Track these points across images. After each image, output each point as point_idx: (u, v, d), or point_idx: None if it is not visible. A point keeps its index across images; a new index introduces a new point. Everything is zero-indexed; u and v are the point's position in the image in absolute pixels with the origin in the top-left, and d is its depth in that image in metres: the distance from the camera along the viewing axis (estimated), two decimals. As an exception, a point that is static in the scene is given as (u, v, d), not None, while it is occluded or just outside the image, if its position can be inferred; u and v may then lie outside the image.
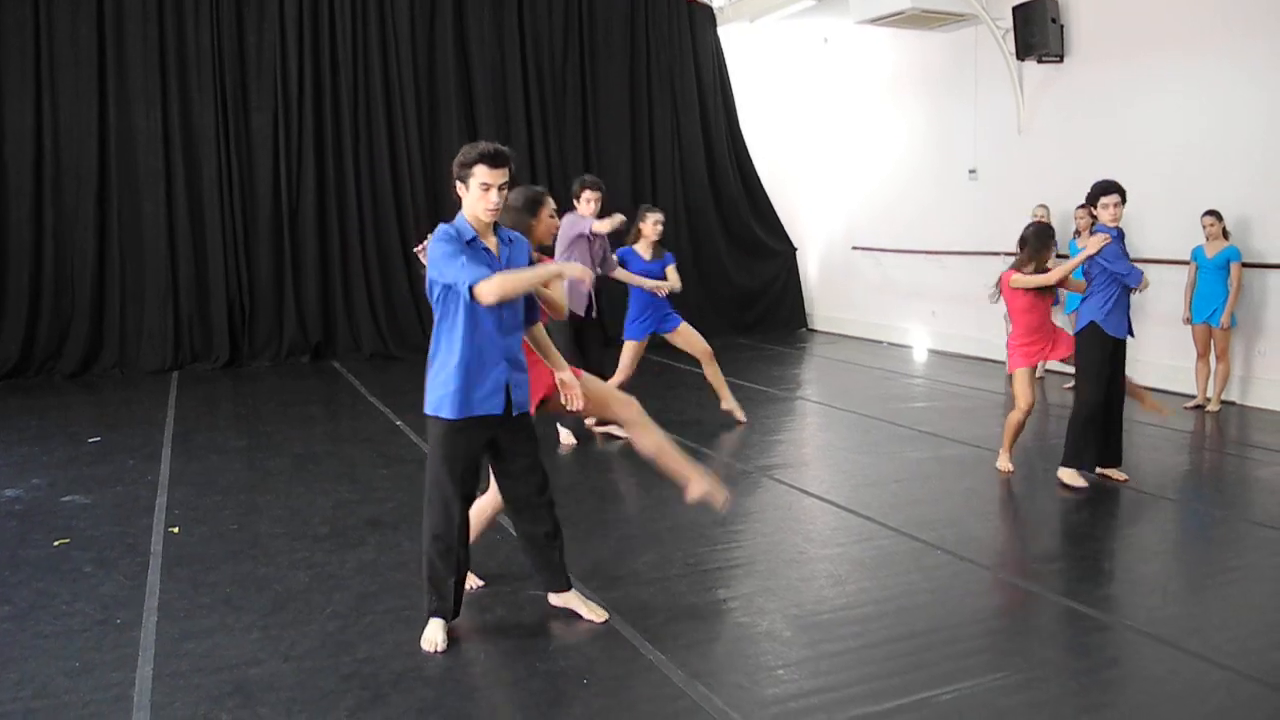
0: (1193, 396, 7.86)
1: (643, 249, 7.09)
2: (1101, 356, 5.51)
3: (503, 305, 3.46)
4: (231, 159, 10.63)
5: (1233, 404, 7.87)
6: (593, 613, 3.78)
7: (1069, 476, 5.62)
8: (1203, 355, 7.76)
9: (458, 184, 3.52)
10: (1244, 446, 6.59)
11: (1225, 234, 7.61)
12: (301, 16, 10.83)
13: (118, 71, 10.22)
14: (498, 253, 3.56)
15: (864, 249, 12.33)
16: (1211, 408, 7.66)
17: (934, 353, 10.96)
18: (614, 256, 6.93)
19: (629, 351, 7.10)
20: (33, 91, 9.90)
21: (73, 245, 10.10)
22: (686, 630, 3.71)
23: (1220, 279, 7.58)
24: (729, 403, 7.37)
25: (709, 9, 12.83)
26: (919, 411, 7.79)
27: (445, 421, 3.53)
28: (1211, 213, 7.61)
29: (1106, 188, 5.56)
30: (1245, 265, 7.54)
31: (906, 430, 7.07)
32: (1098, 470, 5.71)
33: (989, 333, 10.07)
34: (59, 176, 10.07)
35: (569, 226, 6.60)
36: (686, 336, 7.30)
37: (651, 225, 7.09)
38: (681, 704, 3.15)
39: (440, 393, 3.55)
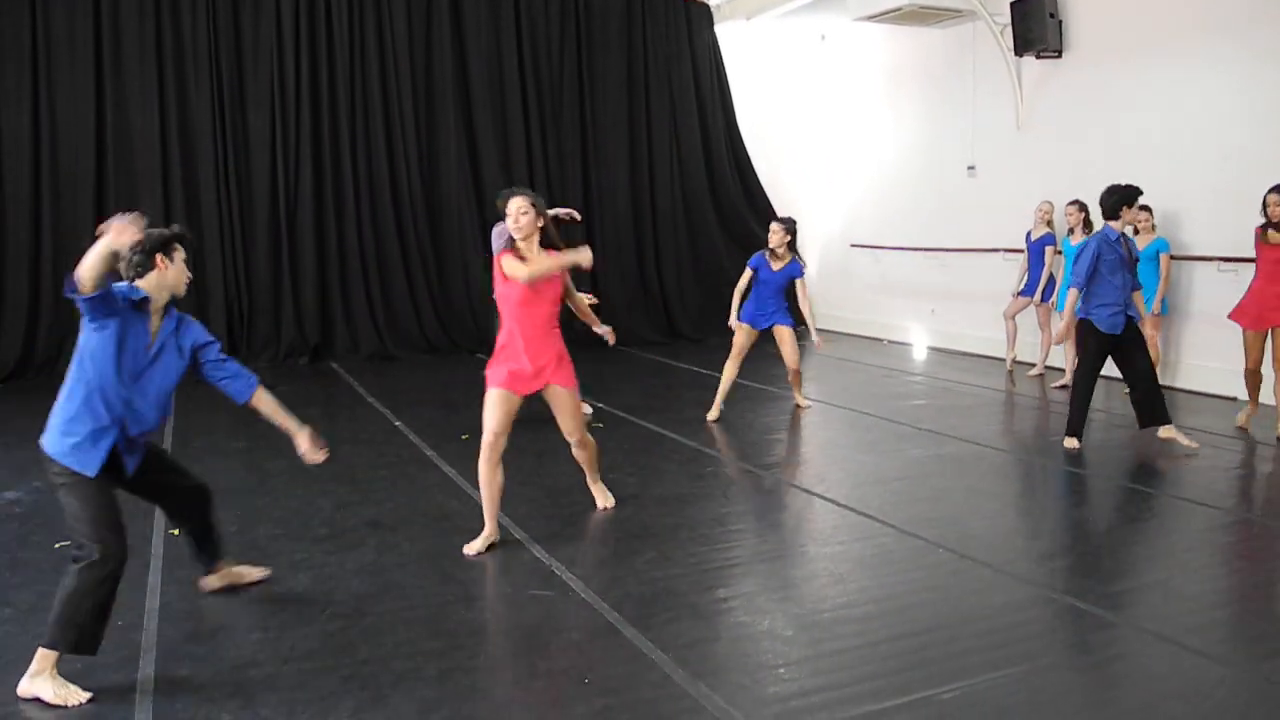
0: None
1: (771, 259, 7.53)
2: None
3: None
4: (229, 159, 10.63)
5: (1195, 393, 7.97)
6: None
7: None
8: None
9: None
10: (1236, 441, 6.58)
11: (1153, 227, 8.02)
12: (298, 14, 10.82)
13: (114, 71, 10.20)
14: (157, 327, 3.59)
15: (862, 246, 12.32)
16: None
17: (933, 350, 10.96)
18: None
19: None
20: (29, 91, 9.89)
21: (71, 247, 10.05)
22: (688, 629, 3.71)
23: (1151, 270, 7.88)
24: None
25: (706, 7, 12.82)
26: (919, 409, 7.79)
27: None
28: (1144, 207, 7.94)
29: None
30: (1251, 261, 7.55)
31: (906, 428, 7.07)
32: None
33: (988, 330, 10.07)
34: (56, 177, 10.06)
35: (497, 235, 6.82)
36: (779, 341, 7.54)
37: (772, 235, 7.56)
38: (683, 703, 3.15)
39: None
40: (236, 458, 6.45)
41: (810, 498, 5.46)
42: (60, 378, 3.63)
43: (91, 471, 3.37)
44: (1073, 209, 8.41)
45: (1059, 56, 9.32)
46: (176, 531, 4.91)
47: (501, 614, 3.85)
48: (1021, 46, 9.36)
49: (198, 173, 10.52)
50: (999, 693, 3.18)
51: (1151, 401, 6.12)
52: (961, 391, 8.53)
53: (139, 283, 3.51)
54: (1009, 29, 9.43)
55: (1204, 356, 8.08)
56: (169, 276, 3.56)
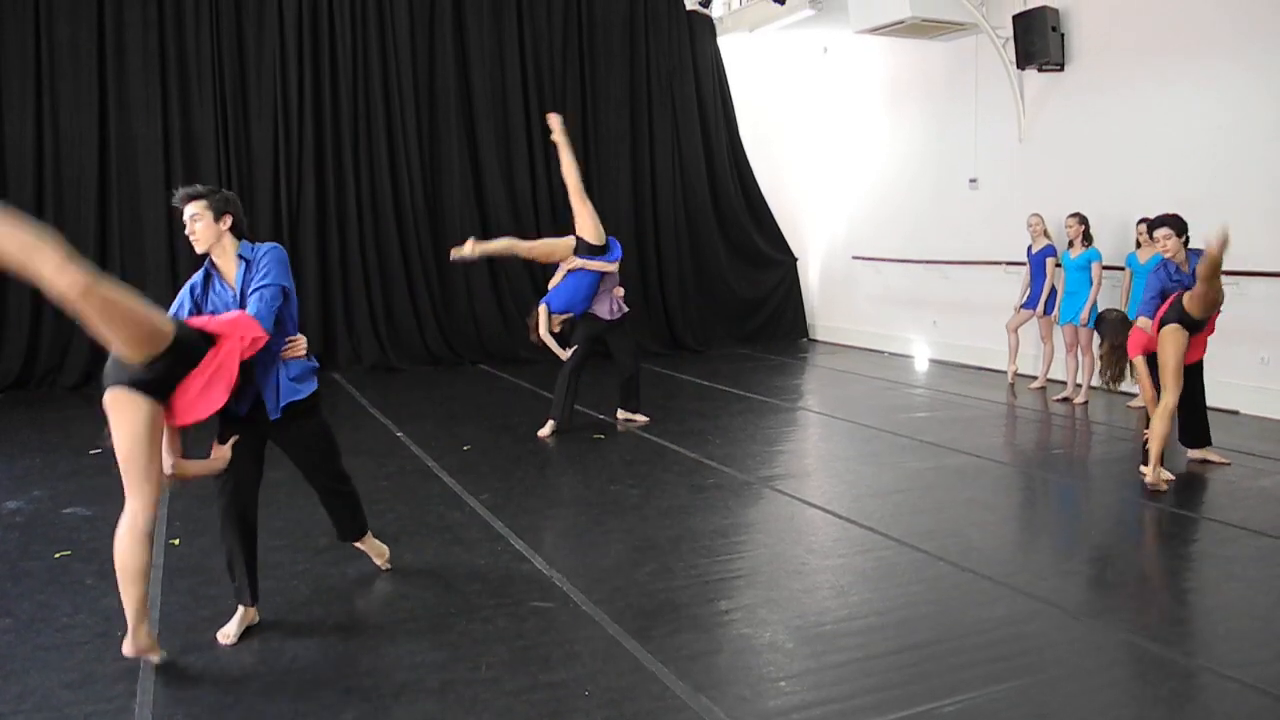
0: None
1: None
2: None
3: None
4: (231, 168, 10.66)
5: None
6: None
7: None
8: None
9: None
10: (1237, 455, 6.57)
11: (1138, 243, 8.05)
12: (301, 25, 10.87)
13: (118, 80, 10.24)
14: (234, 281, 3.87)
15: (865, 258, 12.34)
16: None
17: (935, 362, 10.96)
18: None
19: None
20: (33, 101, 9.93)
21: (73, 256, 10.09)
22: (689, 642, 3.70)
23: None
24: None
25: (709, 19, 12.86)
26: (920, 422, 7.78)
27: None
28: (1145, 220, 7.94)
29: (1160, 222, 5.96)
30: (1252, 274, 7.56)
31: (908, 440, 7.06)
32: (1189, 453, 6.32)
33: (990, 342, 10.07)
34: (60, 187, 10.09)
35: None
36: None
37: None
38: (684, 716, 3.14)
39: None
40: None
41: (811, 510, 5.45)
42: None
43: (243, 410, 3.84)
44: (1073, 221, 8.41)
45: (1061, 69, 9.35)
46: (177, 542, 4.93)
47: (502, 626, 3.84)
48: (1023, 59, 9.38)
49: (201, 183, 10.49)
50: (1001, 706, 3.17)
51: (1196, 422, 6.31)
52: (963, 404, 8.53)
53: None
54: (1011, 42, 9.45)
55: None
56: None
